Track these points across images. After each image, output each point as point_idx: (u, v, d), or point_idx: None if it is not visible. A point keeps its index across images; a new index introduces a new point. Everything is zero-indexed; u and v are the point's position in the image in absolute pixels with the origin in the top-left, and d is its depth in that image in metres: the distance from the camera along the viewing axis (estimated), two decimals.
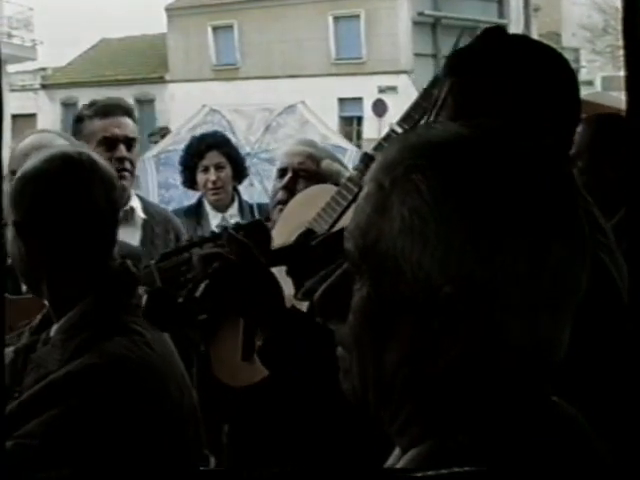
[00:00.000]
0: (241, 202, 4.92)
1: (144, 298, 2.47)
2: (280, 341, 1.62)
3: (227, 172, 4.80)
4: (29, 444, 1.71)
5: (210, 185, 4.76)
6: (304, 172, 3.12)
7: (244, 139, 8.73)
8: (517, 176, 0.96)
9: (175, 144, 8.33)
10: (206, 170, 4.77)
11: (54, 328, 1.94)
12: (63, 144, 2.77)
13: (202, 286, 1.65)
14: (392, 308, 0.97)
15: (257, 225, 2.68)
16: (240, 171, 4.92)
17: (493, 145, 0.99)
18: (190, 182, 4.92)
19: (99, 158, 2.01)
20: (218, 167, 4.76)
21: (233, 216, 4.78)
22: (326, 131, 9.55)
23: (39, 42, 29.93)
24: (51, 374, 1.79)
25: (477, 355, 0.94)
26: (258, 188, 7.60)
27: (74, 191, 1.91)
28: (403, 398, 0.99)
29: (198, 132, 8.49)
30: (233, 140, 8.09)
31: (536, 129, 1.55)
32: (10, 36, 28.19)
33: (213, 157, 4.76)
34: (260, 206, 5.02)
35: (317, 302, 1.07)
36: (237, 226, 2.67)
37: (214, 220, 4.79)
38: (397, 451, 1.05)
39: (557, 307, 0.94)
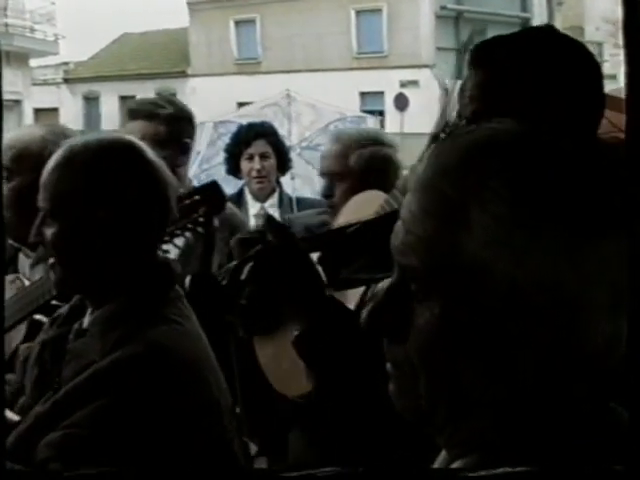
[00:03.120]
0: (281, 193, 4.90)
1: (187, 281, 2.47)
2: (318, 332, 1.61)
3: (272, 162, 4.79)
4: (78, 434, 1.71)
5: (254, 174, 4.75)
6: None
7: (298, 133, 8.75)
8: (590, 173, 0.91)
9: (239, 117, 8.33)
10: (251, 158, 4.76)
11: (89, 319, 1.92)
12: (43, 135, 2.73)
13: (246, 269, 1.63)
14: (471, 324, 0.92)
15: (211, 186, 2.63)
16: (284, 162, 4.91)
17: (559, 142, 0.94)
18: (234, 169, 4.90)
19: (148, 148, 1.98)
20: (263, 156, 4.76)
21: (272, 206, 4.78)
22: None
23: (61, 36, 29.98)
24: (93, 364, 1.78)
25: (555, 364, 0.91)
26: (298, 182, 7.59)
27: (123, 179, 1.88)
28: (481, 413, 0.94)
29: (264, 111, 8.57)
30: (286, 130, 8.16)
31: (562, 124, 1.51)
32: (33, 30, 28.26)
33: (259, 146, 4.75)
34: (299, 200, 5.00)
35: (366, 321, 1.01)
36: (193, 190, 2.64)
37: (252, 209, 4.79)
38: (443, 456, 1.03)
39: (621, 307, 0.89)
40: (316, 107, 9.56)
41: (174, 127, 3.41)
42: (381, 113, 34.25)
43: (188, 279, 2.65)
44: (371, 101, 34.22)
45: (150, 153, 1.97)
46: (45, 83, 37.95)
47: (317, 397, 1.77)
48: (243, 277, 1.67)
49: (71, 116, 39.24)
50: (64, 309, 2.05)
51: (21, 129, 2.70)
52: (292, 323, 1.68)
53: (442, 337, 0.93)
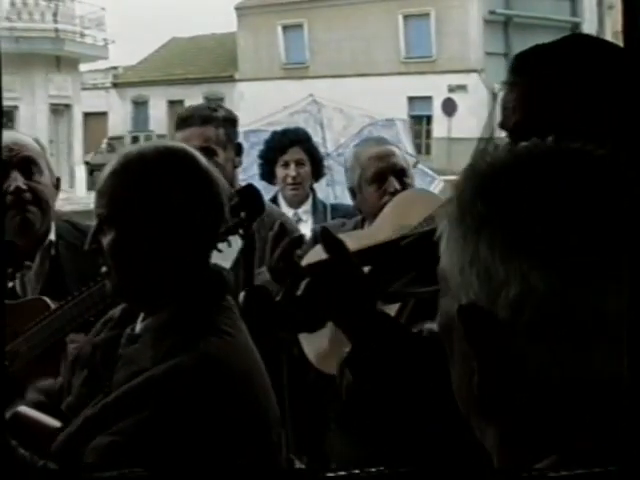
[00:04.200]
0: (315, 200, 4.85)
1: (241, 296, 2.50)
2: (370, 350, 1.57)
3: (306, 169, 4.74)
4: (124, 442, 1.70)
5: (290, 180, 4.70)
6: None
7: (332, 139, 8.73)
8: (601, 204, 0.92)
9: (269, 125, 8.33)
10: (286, 165, 4.73)
11: (141, 325, 1.91)
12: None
13: (303, 284, 1.60)
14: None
15: (249, 189, 2.60)
16: (318, 170, 4.87)
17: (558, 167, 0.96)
18: (268, 175, 4.88)
19: (201, 155, 1.96)
20: (299, 163, 4.71)
21: (306, 213, 4.74)
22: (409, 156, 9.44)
23: (111, 41, 30.27)
24: (144, 371, 1.76)
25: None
26: (338, 189, 7.55)
27: (179, 187, 1.86)
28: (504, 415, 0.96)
29: (294, 119, 8.55)
30: (320, 137, 8.12)
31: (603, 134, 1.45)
32: (82, 35, 28.54)
33: (295, 153, 4.72)
34: (334, 207, 4.96)
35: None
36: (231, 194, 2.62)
37: None
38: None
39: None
40: (344, 112, 9.53)
41: (229, 129, 3.42)
42: (429, 118, 34.25)
43: (242, 294, 2.63)
44: (419, 106, 34.18)
45: (204, 160, 1.94)
46: (94, 87, 38.34)
47: (367, 403, 1.74)
48: (299, 293, 1.64)
49: (120, 120, 39.60)
50: (116, 312, 2.04)
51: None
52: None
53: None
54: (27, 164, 2.64)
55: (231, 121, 3.46)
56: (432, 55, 34.30)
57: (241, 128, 3.94)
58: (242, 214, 2.47)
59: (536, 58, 1.67)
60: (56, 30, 26.55)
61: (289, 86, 31.21)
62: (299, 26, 36.32)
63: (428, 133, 34.35)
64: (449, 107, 31.71)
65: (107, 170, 1.90)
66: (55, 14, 26.76)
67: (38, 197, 2.65)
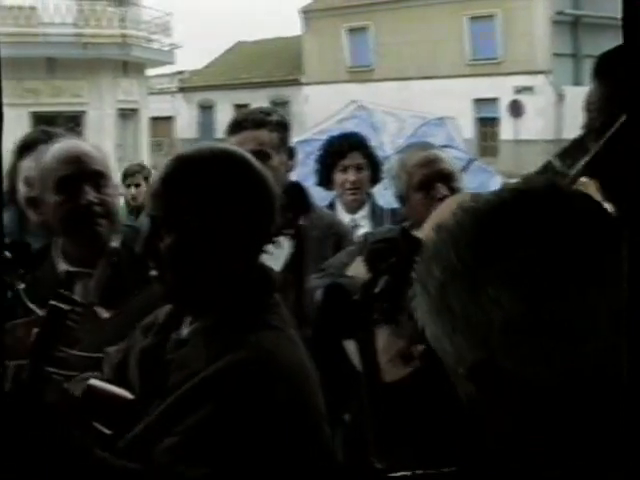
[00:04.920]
0: (373, 205, 4.81)
1: (318, 294, 2.50)
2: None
3: (365, 174, 4.71)
4: (194, 439, 1.71)
5: (348, 185, 4.67)
6: None
7: (390, 142, 8.68)
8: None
9: (320, 133, 8.30)
10: (345, 170, 4.69)
11: (188, 329, 1.92)
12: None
13: (381, 282, 1.56)
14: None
15: (295, 188, 2.53)
16: (377, 174, 4.83)
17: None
18: (325, 181, 4.83)
19: (254, 158, 1.98)
20: (358, 168, 4.68)
21: (364, 218, 4.69)
22: (463, 153, 9.31)
23: (177, 46, 30.49)
24: (199, 373, 1.77)
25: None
26: (391, 193, 7.47)
27: (234, 189, 1.88)
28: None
29: (344, 126, 8.52)
30: (377, 140, 8.07)
31: None
32: (149, 40, 28.78)
33: (354, 157, 4.68)
34: (394, 211, 4.90)
35: None
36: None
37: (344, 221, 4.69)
38: None
39: None
40: (394, 114, 9.49)
41: (282, 133, 3.42)
42: (495, 120, 33.97)
43: (320, 292, 2.59)
44: (485, 108, 33.94)
45: (257, 163, 1.96)
46: (161, 92, 38.67)
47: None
48: (377, 290, 1.60)
49: (186, 125, 39.92)
50: (159, 317, 2.04)
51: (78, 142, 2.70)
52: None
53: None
54: (97, 177, 2.67)
55: (284, 125, 3.46)
56: (498, 57, 34.02)
57: (294, 138, 3.92)
58: (289, 214, 2.50)
59: (619, 59, 1.62)
60: (123, 36, 26.80)
61: (354, 89, 31.13)
62: (364, 29, 36.28)
63: (494, 135, 34.07)
64: (516, 109, 31.45)
65: (162, 174, 1.90)
66: (122, 20, 27.02)
67: (108, 210, 2.67)
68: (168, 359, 1.91)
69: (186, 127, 39.86)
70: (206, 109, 39.96)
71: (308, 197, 2.57)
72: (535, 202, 1.05)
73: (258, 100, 31.89)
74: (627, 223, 0.85)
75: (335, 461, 1.99)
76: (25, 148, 3.51)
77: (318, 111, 23.46)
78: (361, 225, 4.53)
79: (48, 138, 3.47)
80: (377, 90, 29.35)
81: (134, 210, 6.68)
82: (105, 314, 2.38)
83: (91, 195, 2.63)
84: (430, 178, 3.16)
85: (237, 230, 1.86)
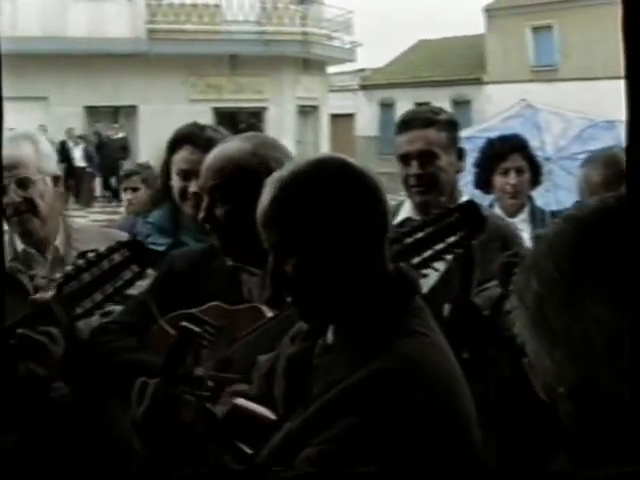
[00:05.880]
0: (533, 208, 4.72)
1: (446, 309, 2.52)
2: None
3: (526, 177, 4.63)
4: (334, 450, 1.71)
5: (509, 189, 4.59)
6: None
7: (553, 143, 8.46)
8: None
9: (482, 131, 8.18)
10: (506, 173, 4.59)
11: (333, 335, 1.92)
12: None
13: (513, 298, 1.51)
14: None
15: (470, 205, 2.46)
16: (537, 177, 4.74)
17: None
18: (484, 184, 4.72)
19: (363, 165, 1.96)
20: (519, 171, 4.60)
21: (524, 222, 4.59)
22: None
23: (358, 44, 30.72)
24: (342, 380, 1.77)
25: None
26: (562, 194, 7.25)
27: (345, 197, 1.86)
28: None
29: (508, 124, 8.36)
30: (538, 140, 7.88)
31: None
32: (330, 38, 29.10)
33: (515, 160, 4.60)
34: (555, 214, 4.74)
35: None
36: (449, 209, 2.54)
37: None
38: None
39: None
40: (561, 114, 9.21)
41: (451, 133, 3.35)
42: None
43: (447, 307, 2.51)
44: None
45: (358, 165, 1.93)
46: (342, 89, 38.97)
47: None
48: (509, 307, 1.54)
49: (366, 122, 40.13)
50: (305, 324, 2.03)
51: (225, 144, 2.67)
52: None
53: None
54: (220, 192, 2.60)
55: (453, 125, 3.38)
56: None
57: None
58: (460, 233, 2.44)
59: None
60: (304, 33, 27.18)
61: (538, 89, 30.54)
62: (549, 27, 35.58)
63: None
64: None
65: (267, 199, 1.88)
66: (304, 18, 27.40)
67: None
68: (314, 366, 1.91)
69: (366, 125, 40.06)
70: (387, 107, 40.01)
71: (483, 217, 2.49)
72: None
73: (439, 99, 31.72)
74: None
75: (486, 466, 1.95)
76: (178, 142, 3.56)
77: (500, 110, 23.15)
78: (521, 229, 4.38)
79: (200, 132, 3.51)
80: (561, 90, 28.74)
81: None
82: (269, 313, 2.38)
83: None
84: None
85: (356, 239, 1.84)
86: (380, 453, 1.68)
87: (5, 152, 3.04)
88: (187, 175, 3.48)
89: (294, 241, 1.84)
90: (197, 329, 1.91)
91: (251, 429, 1.94)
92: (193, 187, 3.42)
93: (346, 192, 1.85)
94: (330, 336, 1.93)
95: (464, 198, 3.27)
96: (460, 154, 3.36)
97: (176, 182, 3.52)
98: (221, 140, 3.34)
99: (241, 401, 2.02)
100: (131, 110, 26.38)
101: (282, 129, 25.00)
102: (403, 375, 1.73)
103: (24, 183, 2.98)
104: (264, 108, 27.56)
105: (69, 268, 2.46)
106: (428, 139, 3.26)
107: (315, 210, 1.83)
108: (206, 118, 23.18)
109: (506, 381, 2.38)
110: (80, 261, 2.45)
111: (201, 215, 2.59)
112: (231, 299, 2.48)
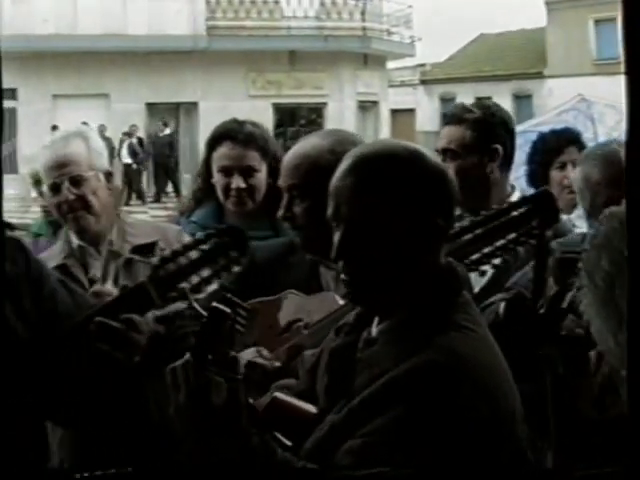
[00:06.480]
0: None
1: (501, 306, 2.53)
2: None
3: None
4: (377, 442, 1.72)
5: (566, 183, 4.44)
6: None
7: (606, 134, 8.36)
8: None
9: (535, 126, 8.10)
10: (563, 167, 4.50)
11: (377, 328, 1.93)
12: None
13: (569, 296, 1.50)
14: None
15: (544, 195, 2.43)
16: None
17: None
18: (540, 179, 4.62)
19: (434, 156, 2.00)
20: (575, 164, 4.45)
21: (579, 217, 4.44)
22: None
23: (417, 39, 30.64)
24: (386, 373, 1.78)
25: None
26: None
27: (415, 187, 1.88)
28: None
29: (562, 118, 8.29)
30: (591, 132, 7.79)
31: None
32: (390, 33, 29.08)
33: (572, 153, 4.51)
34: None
35: None
36: (522, 200, 2.54)
37: None
38: None
39: None
40: (616, 107, 9.10)
41: (480, 132, 3.30)
42: None
43: (503, 305, 2.49)
44: None
45: (436, 161, 1.95)
46: (402, 85, 38.89)
47: None
48: (565, 305, 1.52)
49: (426, 117, 39.97)
50: (350, 317, 2.05)
51: (303, 141, 2.71)
52: None
53: None
54: (299, 191, 2.66)
55: (487, 123, 3.33)
56: None
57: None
58: (534, 222, 2.41)
59: None
60: (363, 28, 27.16)
61: (600, 82, 30.20)
62: (612, 20, 35.08)
63: None
64: None
65: (346, 174, 1.90)
66: (363, 13, 27.39)
67: None
68: (357, 359, 1.92)
69: (427, 120, 39.92)
70: (447, 102, 39.74)
71: (557, 207, 2.46)
72: None
73: (500, 93, 31.54)
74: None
75: (532, 464, 1.95)
76: (217, 138, 3.57)
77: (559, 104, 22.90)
78: (577, 226, 4.30)
79: (240, 127, 3.51)
80: (624, 84, 28.33)
81: None
82: (340, 301, 2.40)
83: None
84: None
85: (419, 227, 1.85)
86: (421, 446, 1.69)
87: (57, 150, 3.14)
88: (229, 171, 3.49)
89: (362, 219, 1.85)
90: (227, 310, 1.90)
91: (290, 422, 1.95)
92: (235, 183, 3.45)
93: (420, 179, 1.87)
94: (374, 329, 1.93)
95: (515, 195, 3.24)
96: (492, 155, 3.31)
97: (218, 179, 3.53)
98: (261, 134, 3.38)
99: (280, 394, 2.03)
100: (191, 107, 26.53)
101: (342, 125, 24.97)
102: (446, 369, 1.74)
103: (77, 181, 3.03)
104: (324, 104, 27.58)
105: (166, 252, 2.50)
106: (451, 137, 3.27)
107: (389, 193, 1.85)
108: (266, 114, 23.31)
109: (561, 379, 2.36)
110: (177, 246, 2.48)
111: (280, 212, 2.67)
112: (310, 291, 2.55)
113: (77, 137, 3.10)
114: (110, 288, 2.85)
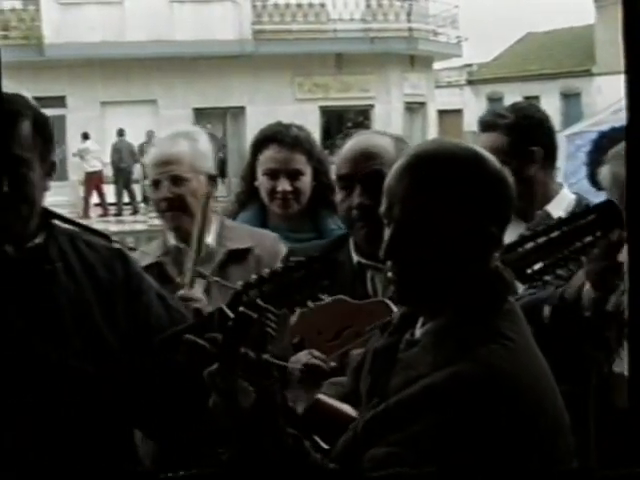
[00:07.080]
0: None
1: (546, 310, 2.53)
2: None
3: None
4: (401, 455, 1.70)
5: None
6: None
7: None
8: None
9: (593, 125, 8.00)
10: None
11: (421, 329, 1.91)
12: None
13: (612, 298, 1.47)
14: None
15: (608, 205, 2.40)
16: None
17: None
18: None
19: (493, 158, 1.95)
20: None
21: None
22: None
23: (464, 39, 30.58)
24: (423, 377, 1.76)
25: None
26: None
27: (471, 186, 1.85)
28: None
29: (619, 117, 8.18)
30: None
31: None
32: (436, 34, 29.07)
33: None
34: None
35: None
36: (587, 209, 2.52)
37: None
38: None
39: None
40: None
41: (515, 136, 3.28)
42: None
43: (547, 309, 2.45)
44: None
45: (494, 164, 1.91)
46: (449, 85, 38.82)
47: None
48: (609, 308, 1.49)
49: (474, 118, 39.75)
50: (395, 318, 2.05)
51: (362, 136, 2.71)
52: None
53: None
54: (372, 180, 2.58)
55: (521, 127, 3.31)
56: None
57: (565, 132, 3.71)
58: (597, 233, 2.38)
59: None
60: (410, 30, 27.16)
61: None
62: None
63: None
64: None
65: (401, 175, 1.87)
66: (409, 14, 27.39)
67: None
68: (397, 359, 1.91)
69: (474, 120, 39.68)
70: (495, 101, 39.58)
71: (622, 217, 2.43)
72: None
73: (548, 92, 31.39)
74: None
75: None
76: (264, 141, 3.56)
77: (610, 102, 22.73)
78: None
79: (286, 130, 3.49)
80: None
81: None
82: (395, 308, 2.36)
83: (363, 198, 2.64)
84: None
85: (471, 228, 1.83)
86: (450, 458, 1.67)
87: (162, 149, 3.18)
88: (275, 174, 3.48)
89: (414, 218, 1.83)
90: (254, 315, 1.89)
91: (330, 425, 1.95)
92: (281, 186, 3.44)
93: (478, 183, 1.84)
94: (418, 330, 1.92)
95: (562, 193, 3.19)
96: (531, 157, 3.27)
97: (264, 182, 3.52)
98: (306, 138, 3.40)
99: (322, 397, 2.04)
100: (239, 111, 26.65)
101: (389, 127, 24.93)
102: (482, 382, 1.71)
103: (177, 180, 3.07)
104: (371, 106, 27.60)
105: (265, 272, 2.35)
106: (485, 145, 3.15)
107: (444, 194, 1.82)
108: (313, 117, 23.36)
109: (605, 382, 2.33)
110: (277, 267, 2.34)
111: (345, 204, 2.69)
112: (356, 294, 2.52)
113: (184, 137, 3.14)
114: (198, 294, 2.85)
